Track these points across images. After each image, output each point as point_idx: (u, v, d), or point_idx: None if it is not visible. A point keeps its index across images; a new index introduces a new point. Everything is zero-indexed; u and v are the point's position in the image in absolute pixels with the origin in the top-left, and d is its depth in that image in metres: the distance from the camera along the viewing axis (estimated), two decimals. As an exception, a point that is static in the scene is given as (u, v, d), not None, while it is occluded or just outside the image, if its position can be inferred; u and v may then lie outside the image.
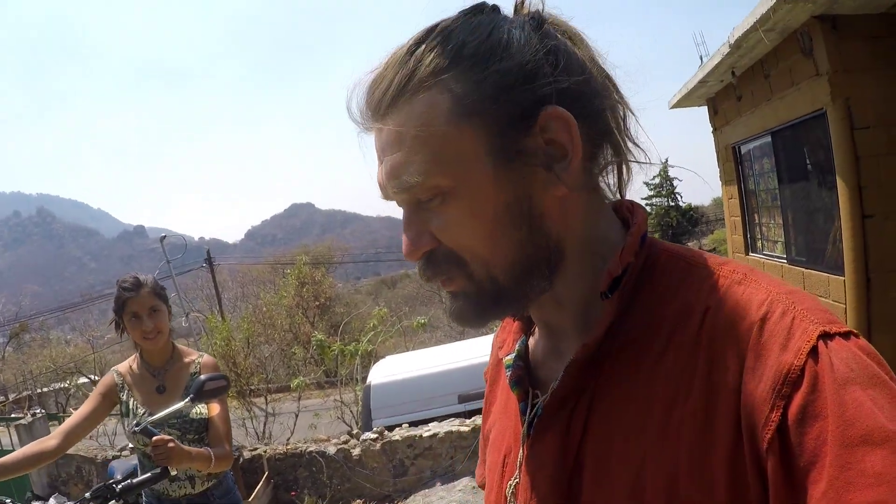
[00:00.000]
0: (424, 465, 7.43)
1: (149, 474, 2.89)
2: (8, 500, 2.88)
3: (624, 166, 0.91)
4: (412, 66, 0.81)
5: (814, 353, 0.69)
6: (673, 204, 44.48)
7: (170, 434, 3.04)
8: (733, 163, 8.76)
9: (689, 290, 0.81)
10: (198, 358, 3.38)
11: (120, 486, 2.85)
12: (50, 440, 3.06)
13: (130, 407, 3.25)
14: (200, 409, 3.20)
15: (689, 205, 45.01)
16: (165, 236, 9.39)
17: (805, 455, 0.65)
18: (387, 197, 0.87)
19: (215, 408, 3.21)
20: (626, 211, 0.93)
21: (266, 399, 12.92)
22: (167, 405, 2.91)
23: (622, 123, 0.89)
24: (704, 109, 9.41)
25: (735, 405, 0.71)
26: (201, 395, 2.82)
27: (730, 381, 0.72)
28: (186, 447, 2.92)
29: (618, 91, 0.89)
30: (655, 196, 44.70)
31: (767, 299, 0.75)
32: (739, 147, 8.52)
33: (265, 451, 7.74)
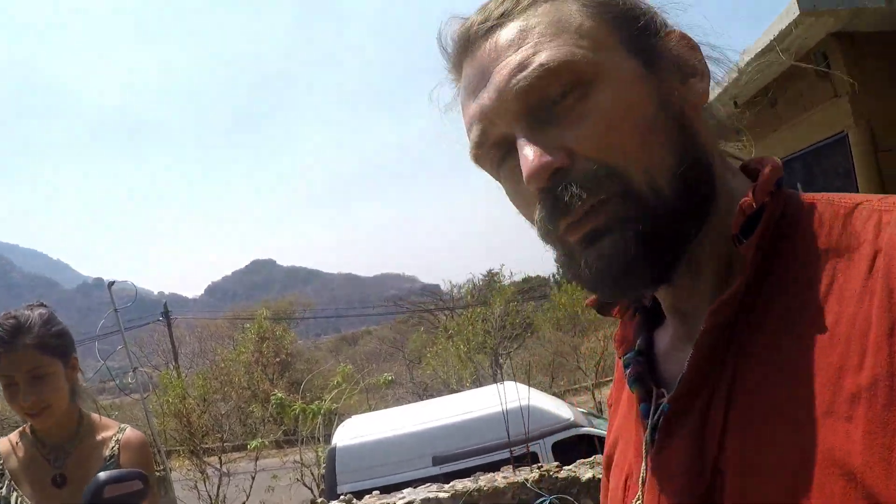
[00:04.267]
0: (394, 536, 6.74)
1: None
2: None
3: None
4: None
5: None
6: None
7: None
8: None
9: (847, 234, 0.67)
10: (117, 433, 2.32)
11: None
12: None
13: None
14: None
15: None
16: (114, 282, 8.69)
17: None
18: (499, 112, 0.74)
19: None
20: (756, 163, 0.81)
21: (220, 459, 12.67)
22: None
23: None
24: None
25: None
26: None
27: None
28: None
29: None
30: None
31: None
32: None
33: (219, 519, 7.06)
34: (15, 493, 2.17)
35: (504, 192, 0.82)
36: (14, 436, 2.30)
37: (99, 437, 2.28)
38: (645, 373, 0.83)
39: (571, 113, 0.70)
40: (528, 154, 0.70)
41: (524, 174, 0.70)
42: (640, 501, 0.77)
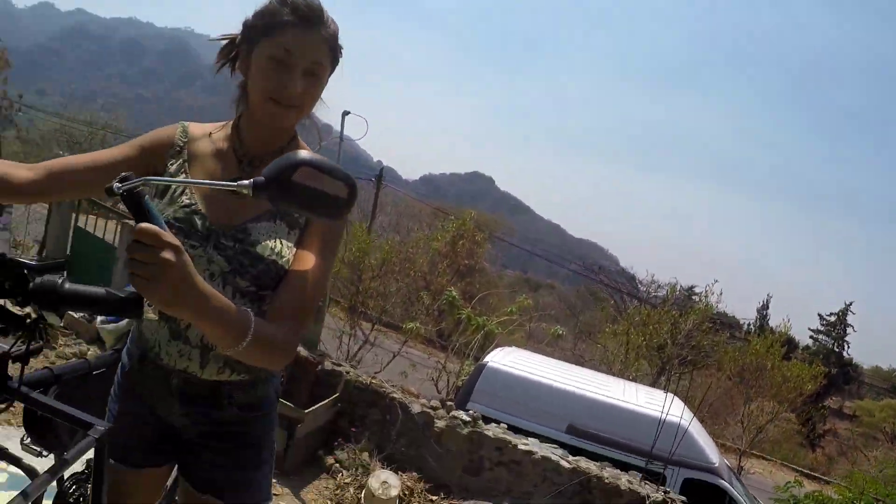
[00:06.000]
0: (502, 477, 6.34)
1: (101, 290, 1.41)
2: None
3: None
4: None
5: None
6: (837, 350, 41.23)
7: (201, 255, 1.75)
8: None
9: None
10: None
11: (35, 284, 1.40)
12: (20, 168, 1.74)
13: (173, 188, 1.83)
14: (278, 246, 1.77)
15: (851, 359, 41.81)
16: (349, 112, 8.60)
17: None
18: None
19: (307, 256, 1.77)
20: None
21: (372, 327, 12.64)
22: (235, 215, 1.78)
23: None
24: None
25: None
26: (283, 186, 1.32)
27: None
28: (210, 288, 1.40)
29: None
30: (824, 333, 41.88)
31: None
32: None
33: (348, 373, 6.85)
34: (183, 176, 1.85)
35: None
36: (213, 125, 1.98)
37: None
38: None
39: None
40: None
41: None
42: None
